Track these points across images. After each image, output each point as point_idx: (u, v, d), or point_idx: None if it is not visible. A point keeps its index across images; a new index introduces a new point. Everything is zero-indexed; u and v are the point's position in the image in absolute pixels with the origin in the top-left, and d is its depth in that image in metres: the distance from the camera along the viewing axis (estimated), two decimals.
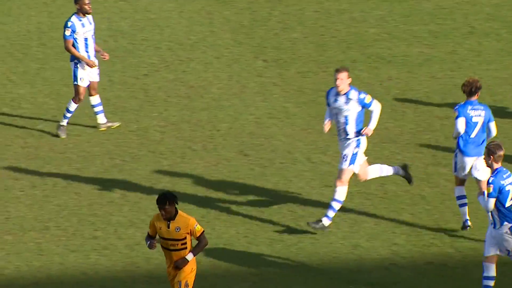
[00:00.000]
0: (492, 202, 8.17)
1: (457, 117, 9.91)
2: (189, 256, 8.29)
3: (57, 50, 12.59)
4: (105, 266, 9.59)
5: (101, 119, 12.65)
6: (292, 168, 11.78)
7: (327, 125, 11.17)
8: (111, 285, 9.24)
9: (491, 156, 8.26)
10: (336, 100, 11.27)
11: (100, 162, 11.98)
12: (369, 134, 11.23)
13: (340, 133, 11.18)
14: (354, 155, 10.79)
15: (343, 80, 11.20)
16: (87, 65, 12.20)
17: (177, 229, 8.28)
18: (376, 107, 11.49)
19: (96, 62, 12.46)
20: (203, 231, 8.25)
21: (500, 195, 8.14)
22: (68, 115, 12.47)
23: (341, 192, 10.82)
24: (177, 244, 8.27)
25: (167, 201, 8.28)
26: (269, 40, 15.61)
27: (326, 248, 9.90)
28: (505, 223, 8.19)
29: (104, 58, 12.53)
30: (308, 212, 10.66)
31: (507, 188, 8.18)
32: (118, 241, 10.13)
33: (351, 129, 11.06)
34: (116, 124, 12.78)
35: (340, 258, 9.68)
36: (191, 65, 14.76)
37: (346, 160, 10.78)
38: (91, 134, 12.70)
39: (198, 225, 8.23)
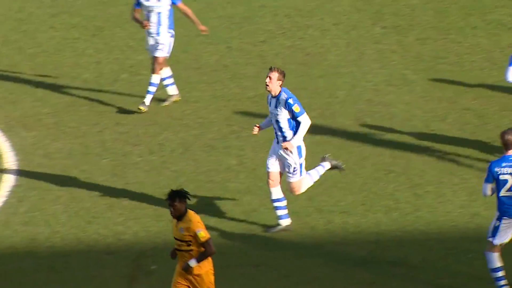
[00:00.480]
0: (486, 187, 7.81)
1: None
2: (192, 262, 7.91)
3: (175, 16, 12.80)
4: (222, 233, 9.72)
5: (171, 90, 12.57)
6: (409, 136, 11.56)
7: (255, 129, 10.68)
8: (229, 251, 9.33)
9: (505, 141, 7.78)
10: (269, 102, 10.89)
11: (217, 128, 12.12)
12: (289, 149, 10.60)
13: (278, 139, 10.64)
14: (301, 165, 10.29)
15: (272, 80, 10.69)
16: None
17: (181, 230, 7.92)
18: (304, 120, 10.83)
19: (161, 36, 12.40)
20: (208, 238, 7.80)
21: (496, 182, 7.72)
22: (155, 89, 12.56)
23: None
24: (183, 245, 7.92)
25: (177, 197, 7.82)
26: (387, 7, 15.36)
27: (444, 217, 9.69)
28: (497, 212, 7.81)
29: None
30: (426, 180, 10.45)
31: (502, 177, 7.70)
32: (235, 207, 10.24)
33: (287, 136, 10.49)
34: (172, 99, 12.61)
35: (458, 227, 9.47)
36: (309, 31, 14.72)
37: (296, 173, 10.21)
38: (209, 100, 12.88)
39: (202, 232, 7.60)
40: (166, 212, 9.71)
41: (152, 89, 12.42)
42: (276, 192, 10.91)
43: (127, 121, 12.36)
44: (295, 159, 10.68)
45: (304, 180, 10.97)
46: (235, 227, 9.76)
